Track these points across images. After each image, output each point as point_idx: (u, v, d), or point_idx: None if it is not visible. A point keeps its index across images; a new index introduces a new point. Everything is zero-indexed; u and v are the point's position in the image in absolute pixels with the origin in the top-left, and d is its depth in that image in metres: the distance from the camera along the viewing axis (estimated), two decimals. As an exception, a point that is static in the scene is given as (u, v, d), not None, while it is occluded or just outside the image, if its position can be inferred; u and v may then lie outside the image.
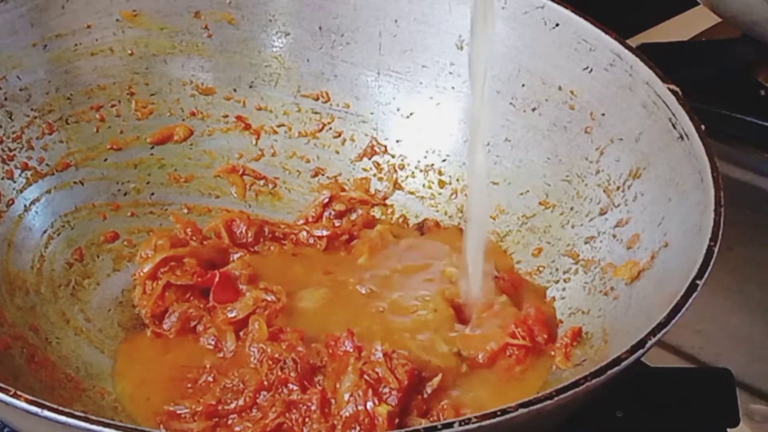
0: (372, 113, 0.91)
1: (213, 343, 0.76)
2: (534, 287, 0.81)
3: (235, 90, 0.91)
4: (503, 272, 0.82)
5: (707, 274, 0.65)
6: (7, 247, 0.79)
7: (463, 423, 0.56)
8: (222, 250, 0.82)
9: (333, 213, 0.88)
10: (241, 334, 0.76)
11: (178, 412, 0.71)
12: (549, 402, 0.58)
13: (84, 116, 0.86)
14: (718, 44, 1.17)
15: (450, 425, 0.56)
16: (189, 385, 0.73)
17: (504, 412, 0.57)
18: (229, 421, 0.70)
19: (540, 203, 0.85)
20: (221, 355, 0.75)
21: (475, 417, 0.56)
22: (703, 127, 0.75)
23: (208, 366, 0.74)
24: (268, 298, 0.77)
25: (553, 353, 0.75)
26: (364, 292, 0.79)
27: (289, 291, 0.78)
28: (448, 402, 0.71)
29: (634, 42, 0.93)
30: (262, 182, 0.90)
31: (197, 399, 0.71)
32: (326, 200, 0.88)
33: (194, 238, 0.83)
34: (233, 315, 0.76)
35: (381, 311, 0.77)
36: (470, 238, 0.78)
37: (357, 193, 0.89)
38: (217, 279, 0.78)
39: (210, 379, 0.73)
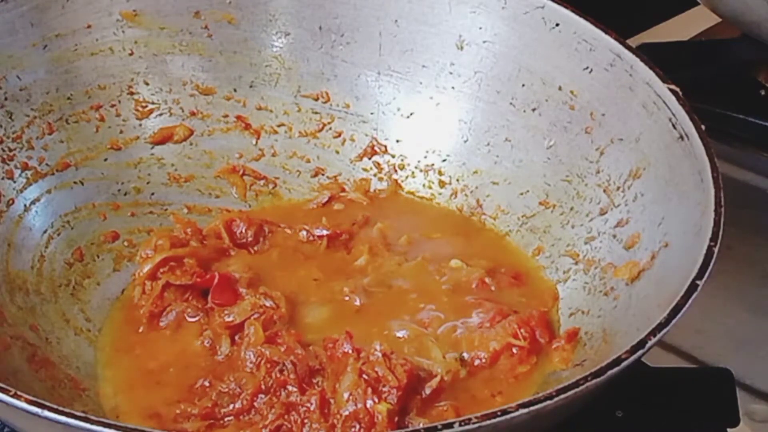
0: (372, 113, 0.91)
1: (208, 345, 0.76)
2: (543, 285, 0.81)
3: (235, 90, 0.91)
4: (505, 268, 0.82)
5: (707, 274, 0.65)
6: (7, 247, 0.79)
7: (463, 423, 0.56)
8: (222, 251, 0.82)
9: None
10: (236, 338, 0.76)
11: (173, 413, 0.71)
12: (549, 402, 0.58)
13: (84, 116, 0.86)
14: (718, 44, 1.17)
15: (450, 425, 0.56)
16: (185, 388, 0.73)
17: (504, 412, 0.57)
18: (226, 424, 0.70)
19: (540, 203, 0.85)
20: (217, 357, 0.75)
21: (475, 417, 0.56)
22: (703, 127, 0.75)
23: (203, 370, 0.74)
24: (267, 304, 0.77)
25: (551, 354, 0.75)
26: (361, 303, 0.79)
27: (289, 296, 0.78)
28: (447, 402, 0.71)
29: (634, 42, 0.93)
30: (262, 182, 0.90)
31: (193, 401, 0.71)
32: (325, 200, 0.89)
33: (194, 238, 0.83)
34: (230, 319, 0.76)
35: (383, 324, 0.77)
36: None
37: (356, 194, 0.89)
38: (216, 280, 0.78)
39: (206, 383, 0.73)
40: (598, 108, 0.82)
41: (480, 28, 0.88)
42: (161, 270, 0.79)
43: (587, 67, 0.83)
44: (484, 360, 0.74)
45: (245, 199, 0.90)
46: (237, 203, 0.89)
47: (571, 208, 0.83)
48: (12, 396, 0.58)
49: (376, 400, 0.68)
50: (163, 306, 0.78)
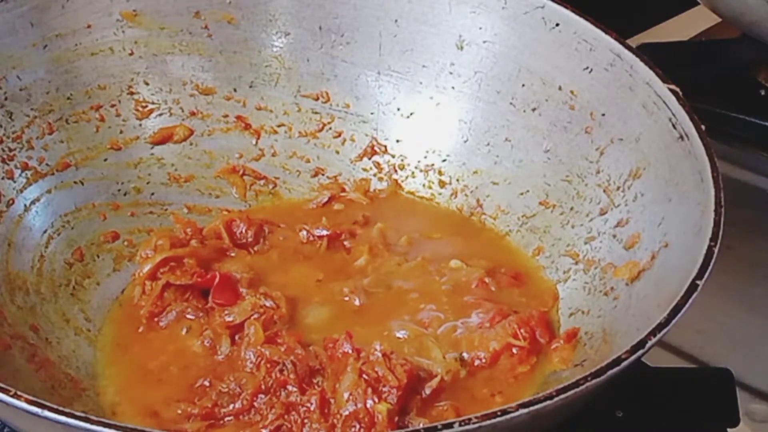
0: (372, 113, 0.91)
1: (208, 345, 0.76)
2: (543, 285, 0.81)
3: (235, 90, 0.91)
4: (505, 268, 0.82)
5: (707, 274, 0.65)
6: (7, 247, 0.79)
7: (463, 423, 0.56)
8: (222, 251, 0.82)
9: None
10: (236, 338, 0.76)
11: (173, 412, 0.71)
12: (549, 402, 0.58)
13: (84, 116, 0.86)
14: (718, 44, 1.17)
15: (450, 425, 0.56)
16: (185, 388, 0.73)
17: (504, 412, 0.57)
18: (226, 424, 0.70)
19: (540, 203, 0.85)
20: (217, 357, 0.75)
21: (476, 417, 0.56)
22: (703, 127, 0.75)
23: (203, 370, 0.74)
24: (267, 304, 0.76)
25: (551, 354, 0.75)
26: (360, 303, 0.79)
27: (289, 296, 0.78)
28: (447, 402, 0.71)
29: (634, 42, 0.93)
30: (262, 182, 0.90)
31: (193, 401, 0.71)
32: (325, 200, 0.89)
33: (194, 238, 0.83)
34: (231, 319, 0.76)
35: (383, 324, 0.77)
36: None
37: (356, 194, 0.89)
38: (217, 280, 0.78)
39: (206, 383, 0.73)
40: (598, 108, 0.82)
41: (480, 28, 0.88)
42: (161, 270, 0.79)
43: (587, 67, 0.83)
44: (484, 360, 0.74)
45: (245, 199, 0.90)
46: (237, 203, 0.89)
47: (571, 208, 0.83)
48: (12, 396, 0.58)
49: (376, 400, 0.68)
50: (163, 306, 0.78)
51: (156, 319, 0.78)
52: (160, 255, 0.79)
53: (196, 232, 0.83)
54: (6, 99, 0.83)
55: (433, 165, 0.90)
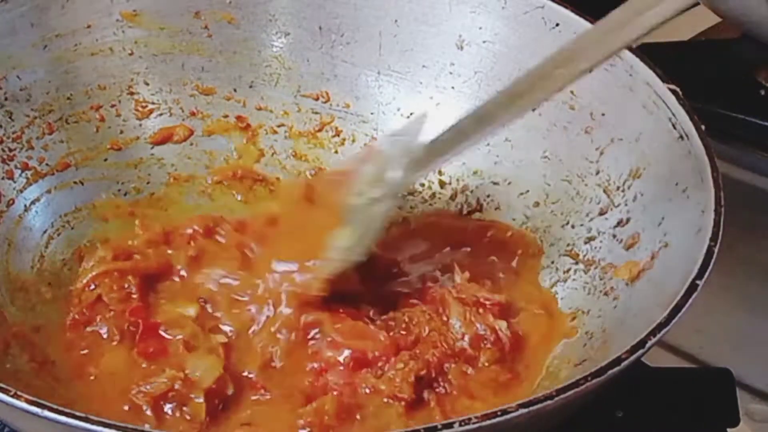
0: (372, 113, 0.91)
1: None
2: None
3: (235, 90, 0.91)
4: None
5: (707, 274, 0.65)
6: (7, 247, 0.79)
7: (463, 423, 0.56)
8: (168, 267, 0.79)
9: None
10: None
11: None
12: (549, 402, 0.58)
13: (84, 116, 0.86)
14: (718, 44, 1.17)
15: (450, 425, 0.56)
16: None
17: (504, 412, 0.57)
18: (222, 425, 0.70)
19: (540, 203, 0.85)
20: None
21: (476, 417, 0.56)
22: (703, 127, 0.75)
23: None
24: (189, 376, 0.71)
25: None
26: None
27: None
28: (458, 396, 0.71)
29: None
30: (262, 182, 0.90)
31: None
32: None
33: (153, 246, 0.80)
34: (149, 389, 0.70)
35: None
36: None
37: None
38: (140, 329, 0.74)
39: None
40: (598, 108, 0.82)
41: (480, 28, 0.88)
42: (95, 283, 0.76)
43: (587, 67, 0.83)
44: None
45: (245, 199, 0.90)
46: (237, 203, 0.89)
47: (571, 208, 0.83)
48: (12, 396, 0.58)
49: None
50: (92, 317, 0.76)
51: (82, 327, 0.76)
52: (98, 268, 0.77)
53: (156, 242, 0.81)
54: (6, 99, 0.83)
55: (433, 165, 0.90)
